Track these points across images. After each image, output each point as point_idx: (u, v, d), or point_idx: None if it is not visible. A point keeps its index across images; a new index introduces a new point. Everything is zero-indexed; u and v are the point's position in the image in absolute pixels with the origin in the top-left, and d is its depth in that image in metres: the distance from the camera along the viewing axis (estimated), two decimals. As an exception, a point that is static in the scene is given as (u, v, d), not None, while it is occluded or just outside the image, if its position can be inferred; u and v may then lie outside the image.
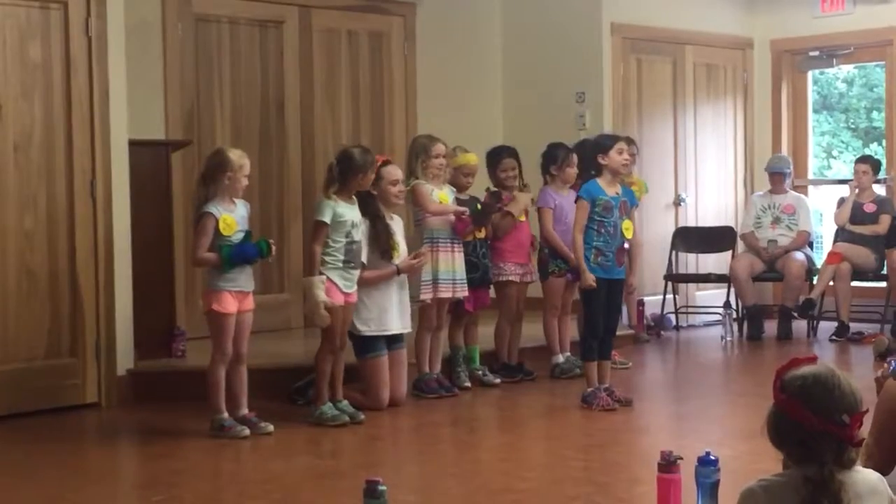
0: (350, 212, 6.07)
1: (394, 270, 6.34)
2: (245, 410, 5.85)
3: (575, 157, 7.27)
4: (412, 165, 6.72)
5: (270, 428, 5.80)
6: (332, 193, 6.06)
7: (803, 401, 2.50)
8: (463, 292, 6.75)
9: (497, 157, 7.26)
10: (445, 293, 6.67)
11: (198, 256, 5.77)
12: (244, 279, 5.83)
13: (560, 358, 7.34)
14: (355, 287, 6.14)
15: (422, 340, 6.72)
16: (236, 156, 5.82)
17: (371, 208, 6.28)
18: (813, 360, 2.60)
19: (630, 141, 8.60)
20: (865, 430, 2.71)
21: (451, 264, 6.69)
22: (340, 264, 6.05)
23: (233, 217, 5.77)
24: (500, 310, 7.20)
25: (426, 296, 6.60)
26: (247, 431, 5.72)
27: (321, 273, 5.98)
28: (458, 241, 6.74)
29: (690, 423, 6.20)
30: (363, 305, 6.30)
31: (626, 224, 6.35)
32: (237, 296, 5.80)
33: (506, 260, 7.13)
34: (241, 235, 5.79)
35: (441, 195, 6.70)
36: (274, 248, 5.91)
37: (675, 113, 9.68)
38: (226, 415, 5.78)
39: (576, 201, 6.45)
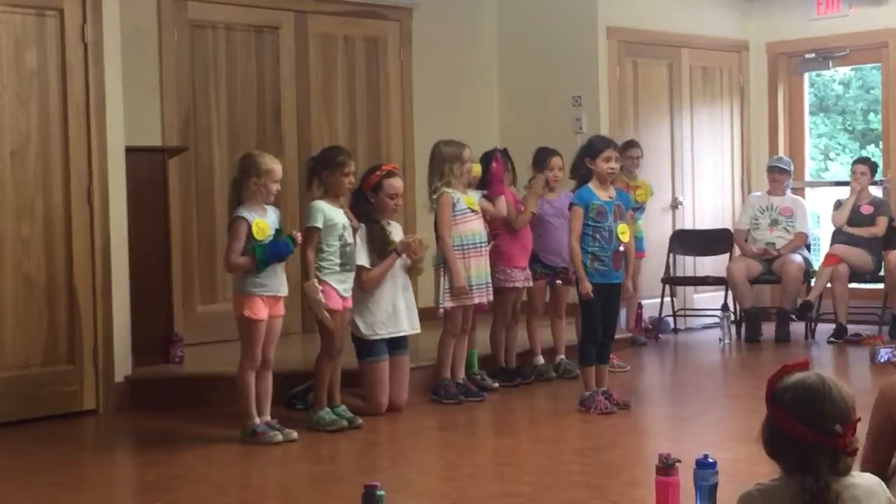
0: (338, 214, 6.08)
1: (394, 257, 6.32)
2: (268, 417, 5.82)
3: (555, 161, 7.28)
4: (437, 173, 6.68)
5: (294, 435, 5.75)
6: (319, 196, 6.07)
7: (795, 414, 2.50)
8: (489, 296, 6.78)
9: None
10: (479, 298, 6.70)
11: (231, 261, 5.72)
12: (276, 283, 5.79)
13: (540, 359, 7.36)
14: (351, 292, 6.15)
15: (445, 346, 6.70)
16: (263, 161, 5.76)
17: (365, 211, 6.28)
18: (804, 365, 2.60)
19: (633, 144, 8.69)
20: (861, 433, 2.70)
21: (480, 269, 6.70)
22: (337, 268, 6.05)
23: (265, 222, 5.74)
24: (495, 314, 7.20)
25: (449, 303, 6.60)
26: (279, 437, 5.69)
27: (316, 277, 5.98)
28: (485, 243, 6.73)
29: (688, 426, 6.19)
30: (367, 309, 6.31)
31: (622, 228, 6.34)
32: (268, 301, 5.77)
33: (513, 265, 7.10)
34: (271, 236, 5.76)
35: (467, 199, 6.70)
36: (299, 238, 5.86)
37: (672, 116, 9.69)
38: (258, 420, 5.74)
39: (569, 209, 6.44)
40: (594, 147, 6.40)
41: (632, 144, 8.67)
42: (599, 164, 6.30)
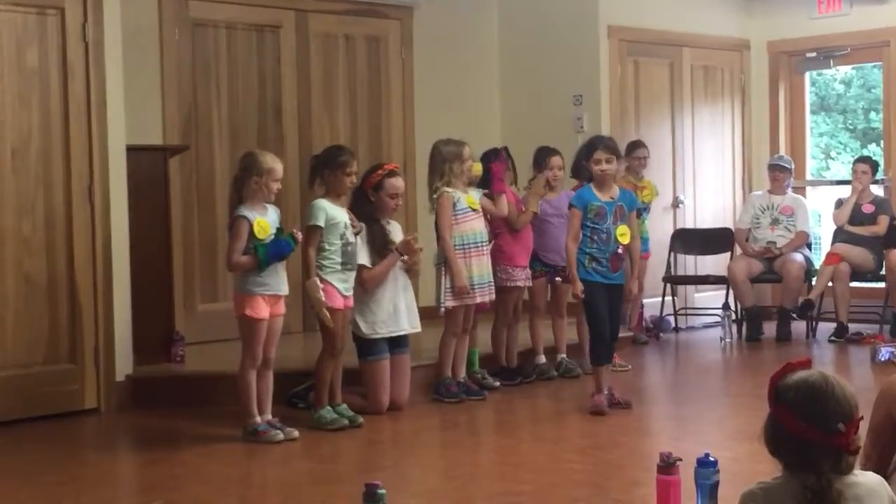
0: (340, 213, 6.09)
1: (394, 256, 6.32)
2: (269, 416, 5.83)
3: (555, 161, 7.28)
4: (437, 173, 6.67)
5: (296, 433, 5.75)
6: (321, 195, 6.07)
7: (798, 412, 2.50)
8: (491, 295, 6.77)
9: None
10: (481, 297, 6.70)
11: (233, 261, 5.72)
12: (277, 282, 5.79)
13: (542, 358, 7.35)
14: (352, 291, 6.15)
15: (447, 345, 6.70)
16: (265, 160, 5.77)
17: (365, 210, 6.28)
18: (806, 363, 2.59)
19: (640, 144, 8.70)
20: (863, 433, 2.70)
21: (482, 268, 6.69)
22: (339, 266, 6.05)
23: (266, 220, 5.75)
24: (497, 313, 7.19)
25: (451, 303, 6.59)
26: (281, 436, 5.69)
27: (318, 275, 5.98)
28: (486, 242, 6.73)
29: (690, 425, 6.19)
30: (368, 308, 6.31)
31: (621, 230, 6.28)
32: (269, 300, 5.77)
33: (515, 264, 7.10)
34: (272, 235, 5.76)
35: (468, 198, 6.69)
36: (300, 236, 5.87)
37: (673, 115, 9.69)
38: (259, 419, 5.75)
39: (569, 209, 6.43)
40: (589, 147, 6.39)
41: (638, 145, 8.68)
42: (592, 166, 6.29)
